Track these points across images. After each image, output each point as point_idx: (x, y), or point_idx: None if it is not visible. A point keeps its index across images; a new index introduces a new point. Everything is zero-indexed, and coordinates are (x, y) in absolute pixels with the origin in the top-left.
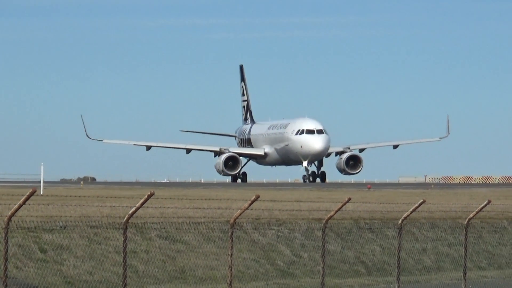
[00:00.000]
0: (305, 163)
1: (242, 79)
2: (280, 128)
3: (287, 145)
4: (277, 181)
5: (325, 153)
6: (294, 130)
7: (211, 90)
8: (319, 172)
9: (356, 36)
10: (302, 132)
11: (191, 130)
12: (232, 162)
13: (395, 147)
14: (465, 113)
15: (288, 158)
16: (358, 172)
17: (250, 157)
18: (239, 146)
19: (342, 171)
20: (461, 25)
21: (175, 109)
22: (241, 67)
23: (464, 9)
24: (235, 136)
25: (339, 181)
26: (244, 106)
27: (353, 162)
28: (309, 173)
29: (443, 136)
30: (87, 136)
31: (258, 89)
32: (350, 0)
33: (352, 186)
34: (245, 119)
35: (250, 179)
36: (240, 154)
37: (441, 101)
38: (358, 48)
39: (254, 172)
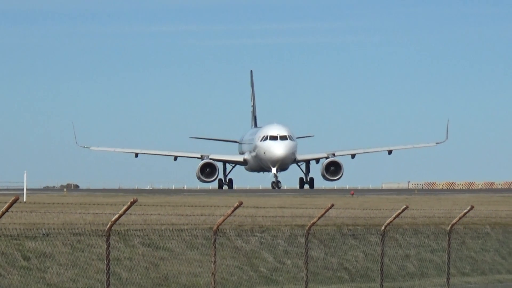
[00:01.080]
0: (273, 170)
1: (252, 84)
2: (254, 135)
3: (255, 151)
4: (260, 188)
5: (289, 159)
6: (260, 137)
7: (219, 96)
8: (307, 178)
9: (358, 39)
10: (266, 138)
11: (200, 137)
12: (209, 169)
13: (390, 152)
14: (451, 119)
15: (263, 164)
16: (338, 178)
17: (235, 163)
18: (239, 153)
19: (323, 177)
20: (458, 28)
21: (184, 115)
22: (251, 72)
23: (462, 12)
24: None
25: (322, 187)
26: (251, 112)
27: (334, 168)
28: (278, 179)
29: (440, 141)
30: (76, 143)
31: (266, 95)
32: (348, 4)
33: (335, 192)
34: (252, 124)
35: (237, 185)
36: (221, 161)
37: (430, 107)
38: (361, 51)
39: (242, 179)
